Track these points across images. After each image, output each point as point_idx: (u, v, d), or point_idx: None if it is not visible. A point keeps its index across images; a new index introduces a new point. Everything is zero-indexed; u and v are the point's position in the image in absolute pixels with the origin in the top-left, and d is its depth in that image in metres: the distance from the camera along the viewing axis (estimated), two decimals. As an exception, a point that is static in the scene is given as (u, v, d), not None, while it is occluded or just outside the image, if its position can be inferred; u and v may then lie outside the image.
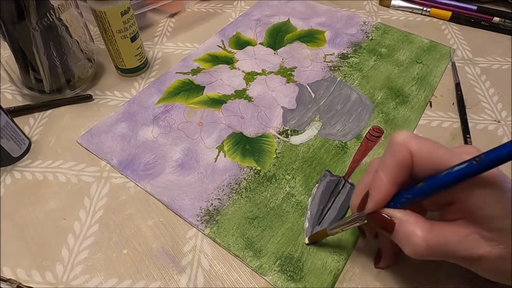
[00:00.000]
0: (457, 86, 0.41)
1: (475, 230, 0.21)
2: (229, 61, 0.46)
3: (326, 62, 0.46)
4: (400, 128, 0.38)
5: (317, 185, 0.33)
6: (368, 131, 0.37)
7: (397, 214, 0.23)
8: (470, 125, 0.37)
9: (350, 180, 0.34)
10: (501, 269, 0.22)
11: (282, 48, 0.48)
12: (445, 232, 0.21)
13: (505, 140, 0.36)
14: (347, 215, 0.31)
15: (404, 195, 0.23)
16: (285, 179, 0.34)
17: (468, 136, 0.36)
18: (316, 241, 0.30)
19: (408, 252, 0.22)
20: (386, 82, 0.42)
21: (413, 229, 0.22)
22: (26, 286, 0.28)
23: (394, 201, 0.23)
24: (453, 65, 0.44)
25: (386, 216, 0.23)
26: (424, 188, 0.22)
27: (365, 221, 0.24)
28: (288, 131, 0.38)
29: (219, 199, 0.33)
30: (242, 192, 0.33)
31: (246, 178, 0.34)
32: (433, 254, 0.22)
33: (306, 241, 0.30)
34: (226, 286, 0.28)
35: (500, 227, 0.20)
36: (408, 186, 0.23)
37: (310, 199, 0.32)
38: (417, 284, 0.27)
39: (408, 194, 0.22)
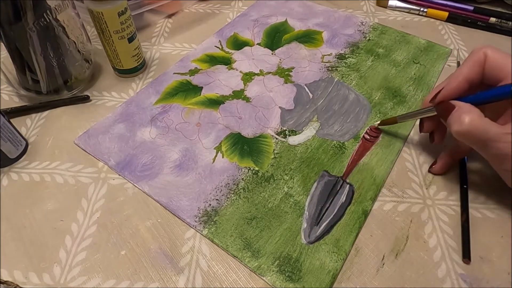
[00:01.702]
0: None
1: None
2: (226, 62, 0.46)
3: (324, 62, 0.46)
4: (397, 128, 0.38)
5: (315, 185, 0.33)
6: (366, 131, 0.38)
7: (459, 103, 0.28)
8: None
9: (348, 180, 0.34)
10: None
11: (279, 49, 0.48)
12: (491, 124, 0.26)
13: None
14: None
15: (470, 97, 0.28)
16: (283, 179, 0.34)
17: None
18: (385, 124, 0.36)
19: (455, 129, 0.27)
20: (383, 82, 0.43)
21: (466, 112, 0.26)
22: (24, 288, 0.28)
23: (463, 100, 0.28)
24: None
25: (452, 103, 0.28)
26: (489, 93, 0.27)
27: (433, 112, 0.30)
28: (286, 132, 0.38)
29: (217, 199, 0.33)
30: (240, 192, 0.33)
31: (244, 179, 0.34)
32: (473, 135, 0.26)
33: (376, 124, 0.37)
34: (224, 287, 0.28)
35: None
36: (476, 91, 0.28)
37: (308, 199, 0.32)
38: (416, 284, 0.27)
39: (475, 97, 0.28)
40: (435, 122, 0.32)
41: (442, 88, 0.30)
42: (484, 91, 0.27)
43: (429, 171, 0.34)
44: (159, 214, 0.32)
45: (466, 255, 0.28)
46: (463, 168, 0.34)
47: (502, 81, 0.27)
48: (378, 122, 0.37)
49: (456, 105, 0.28)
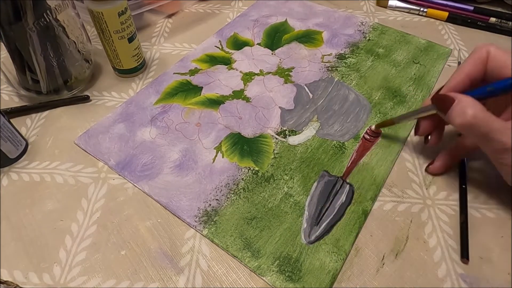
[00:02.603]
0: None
1: None
2: (226, 62, 0.46)
3: (324, 62, 0.46)
4: (397, 128, 0.38)
5: (315, 185, 0.33)
6: (366, 131, 0.38)
7: (458, 96, 0.27)
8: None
9: (348, 180, 0.34)
10: None
11: (279, 49, 0.48)
12: (493, 118, 0.26)
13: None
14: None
15: (471, 92, 0.27)
16: (283, 179, 0.34)
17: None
18: (382, 126, 0.36)
19: (457, 121, 0.27)
20: (383, 82, 0.43)
21: (469, 105, 0.26)
22: (24, 288, 0.28)
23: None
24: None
25: (449, 94, 0.28)
26: (490, 86, 0.27)
27: (432, 110, 0.29)
28: (286, 132, 0.38)
29: (217, 199, 0.33)
30: (240, 192, 0.33)
31: (244, 179, 0.34)
32: (476, 128, 0.26)
33: (373, 127, 0.36)
34: (224, 287, 0.28)
35: None
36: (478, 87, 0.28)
37: (308, 199, 0.32)
38: (416, 284, 0.27)
39: (476, 92, 0.27)
40: (432, 123, 0.32)
41: (443, 86, 0.30)
42: (485, 85, 0.27)
43: (426, 170, 0.34)
44: (159, 214, 0.32)
45: (464, 255, 0.28)
46: (463, 168, 0.34)
47: (504, 70, 0.28)
48: (375, 124, 0.37)
49: (456, 97, 0.27)
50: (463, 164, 0.34)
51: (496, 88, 0.27)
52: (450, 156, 0.33)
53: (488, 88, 0.27)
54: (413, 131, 0.38)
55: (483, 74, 0.29)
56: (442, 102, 0.28)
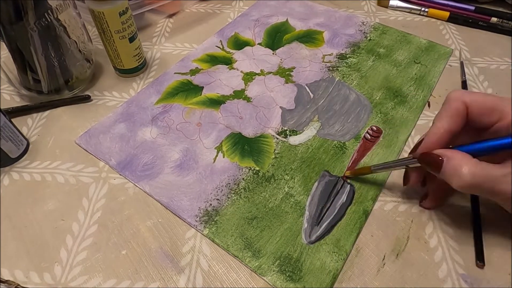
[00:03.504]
0: (463, 84, 0.42)
1: None
2: (227, 62, 0.46)
3: (325, 62, 0.46)
4: (398, 128, 0.38)
5: (316, 185, 0.33)
6: (367, 131, 0.38)
7: (445, 152, 0.25)
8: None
9: (349, 180, 0.34)
10: None
11: (280, 49, 0.48)
12: (490, 168, 0.24)
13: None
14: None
15: (464, 148, 0.25)
16: (284, 179, 0.34)
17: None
18: (355, 175, 0.33)
19: (456, 184, 0.24)
20: (384, 82, 0.43)
21: (460, 163, 0.24)
22: (24, 287, 0.28)
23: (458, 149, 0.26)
24: (462, 64, 0.44)
25: (436, 153, 0.26)
26: (487, 145, 0.25)
27: (415, 163, 0.27)
28: (287, 132, 0.38)
29: (218, 199, 0.33)
30: (241, 192, 0.33)
31: (245, 179, 0.34)
32: (478, 186, 0.24)
33: (347, 173, 0.33)
34: (225, 287, 0.28)
35: None
36: (463, 141, 0.26)
37: (308, 199, 0.32)
38: (417, 285, 0.27)
39: (462, 149, 0.25)
40: (421, 172, 0.30)
41: (422, 140, 0.28)
42: (480, 143, 0.25)
43: (420, 205, 0.32)
44: (160, 214, 0.32)
45: (480, 259, 0.28)
46: None
47: (498, 121, 0.25)
48: (349, 172, 0.34)
49: (442, 155, 0.25)
50: None
51: (496, 147, 0.24)
52: (440, 192, 0.31)
53: (485, 146, 0.25)
54: (414, 131, 0.38)
55: (463, 125, 0.27)
56: (430, 162, 0.26)
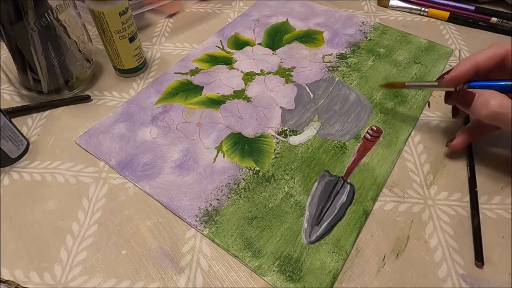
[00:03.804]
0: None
1: None
2: (227, 62, 0.46)
3: (325, 62, 0.46)
4: (398, 128, 0.38)
5: (316, 185, 0.33)
6: (367, 131, 0.37)
7: (478, 90, 0.30)
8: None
9: (349, 180, 0.34)
10: None
11: (280, 49, 0.48)
12: None
13: (504, 140, 0.36)
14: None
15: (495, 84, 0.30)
16: (284, 179, 0.34)
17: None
18: (390, 87, 0.40)
19: (484, 113, 0.29)
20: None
21: (490, 96, 0.29)
22: (24, 287, 0.28)
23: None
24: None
25: (470, 91, 0.30)
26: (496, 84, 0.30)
27: (451, 88, 0.33)
28: (287, 131, 0.38)
29: (218, 199, 0.33)
30: (241, 192, 0.33)
31: (245, 179, 0.34)
32: (502, 116, 0.28)
33: (382, 84, 0.40)
34: (225, 287, 0.28)
35: None
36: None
37: (309, 199, 0.32)
38: (417, 285, 0.27)
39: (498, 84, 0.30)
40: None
41: (451, 69, 0.32)
42: (498, 81, 0.30)
43: (447, 145, 0.35)
44: (160, 213, 0.32)
45: (479, 259, 0.28)
46: (472, 171, 0.33)
47: None
48: (383, 83, 0.40)
49: (476, 92, 0.30)
50: (472, 167, 0.34)
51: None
52: (470, 134, 0.34)
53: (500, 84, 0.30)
54: (414, 131, 0.38)
55: (490, 69, 0.31)
56: (463, 98, 0.31)
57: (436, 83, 0.34)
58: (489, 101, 0.28)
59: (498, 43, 0.31)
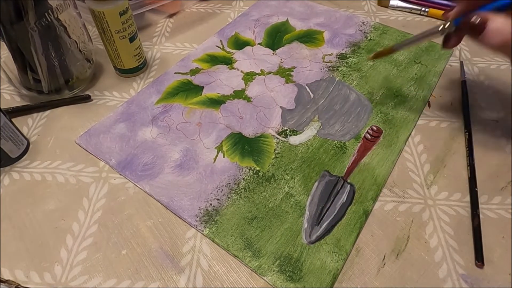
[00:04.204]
0: (463, 83, 0.42)
1: None
2: (228, 62, 0.46)
3: (325, 62, 0.46)
4: (398, 128, 0.38)
5: (316, 185, 0.33)
6: (367, 131, 0.37)
7: (487, 15, 0.28)
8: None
9: (349, 180, 0.34)
10: None
11: (281, 48, 0.48)
12: None
13: (504, 139, 0.36)
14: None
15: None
16: (284, 179, 0.34)
17: (466, 132, 0.36)
18: (379, 56, 0.37)
19: (497, 41, 0.27)
20: (384, 82, 0.43)
21: (503, 23, 0.27)
22: (25, 287, 0.28)
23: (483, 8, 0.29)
24: (461, 64, 0.44)
25: (478, 16, 0.28)
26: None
27: (437, 34, 0.31)
28: (287, 131, 0.38)
29: (218, 199, 0.33)
30: (241, 192, 0.33)
31: (245, 178, 0.34)
32: None
33: (370, 57, 0.37)
34: (225, 287, 0.28)
35: None
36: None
37: (309, 199, 0.32)
38: (417, 285, 0.27)
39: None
40: (461, 35, 0.32)
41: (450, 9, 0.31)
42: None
43: (442, 14, 0.34)
44: (160, 213, 0.32)
45: (479, 259, 0.28)
46: (473, 171, 0.33)
47: None
48: (372, 55, 0.38)
49: (485, 18, 0.28)
50: (472, 167, 0.34)
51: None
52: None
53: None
54: (414, 131, 0.38)
55: None
56: (473, 25, 0.28)
57: (427, 32, 0.32)
58: (503, 29, 0.27)
59: None
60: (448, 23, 0.31)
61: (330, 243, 0.30)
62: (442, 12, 0.51)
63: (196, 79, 0.44)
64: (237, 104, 0.41)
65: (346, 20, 0.52)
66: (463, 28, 0.30)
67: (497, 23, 0.27)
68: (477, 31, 0.28)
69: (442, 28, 0.31)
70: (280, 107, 0.40)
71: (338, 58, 0.46)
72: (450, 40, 0.33)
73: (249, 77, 0.44)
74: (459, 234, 0.30)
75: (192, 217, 0.31)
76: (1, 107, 0.34)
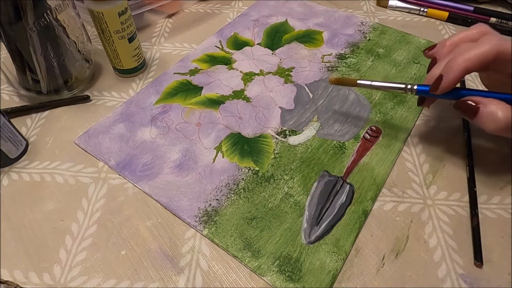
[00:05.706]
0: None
1: None
2: (227, 62, 0.46)
3: (324, 62, 0.46)
4: (397, 128, 0.38)
5: (315, 185, 0.33)
6: (366, 131, 0.38)
7: (480, 100, 0.28)
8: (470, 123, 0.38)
9: (348, 180, 0.34)
10: None
11: (280, 49, 0.48)
12: None
13: (502, 139, 0.36)
14: (343, 217, 0.31)
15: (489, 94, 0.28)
16: (283, 179, 0.34)
17: (465, 131, 0.36)
18: (340, 83, 0.36)
19: (491, 128, 0.27)
20: (383, 82, 0.43)
21: (496, 108, 0.27)
22: (24, 288, 0.28)
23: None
24: None
25: (471, 102, 0.28)
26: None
27: (402, 91, 0.32)
28: (286, 132, 0.38)
29: (217, 199, 0.33)
30: (241, 192, 0.33)
31: (244, 179, 0.34)
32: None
33: (331, 78, 0.36)
34: (224, 287, 0.28)
35: None
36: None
37: (308, 199, 0.32)
38: (416, 284, 0.27)
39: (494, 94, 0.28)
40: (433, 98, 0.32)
41: (442, 79, 0.29)
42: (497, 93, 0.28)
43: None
44: (159, 214, 0.32)
45: (478, 258, 0.28)
46: (472, 171, 0.33)
47: None
48: (333, 77, 0.36)
49: (477, 102, 0.28)
50: (471, 166, 0.34)
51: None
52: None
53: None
54: (413, 131, 0.38)
55: (481, 69, 0.28)
56: (466, 109, 0.29)
57: (392, 86, 0.32)
58: (496, 113, 0.27)
59: (485, 40, 0.28)
60: (410, 92, 0.32)
61: (329, 243, 0.30)
62: (441, 12, 0.51)
63: (195, 80, 0.44)
64: (236, 104, 0.41)
65: (345, 20, 0.52)
66: (458, 108, 0.30)
67: (489, 109, 0.27)
68: (471, 113, 0.28)
69: (405, 88, 0.32)
70: (279, 107, 0.40)
71: (337, 58, 0.46)
72: (425, 101, 0.33)
73: (248, 77, 0.44)
74: (458, 234, 0.30)
75: (192, 217, 0.31)
76: (0, 108, 0.34)
